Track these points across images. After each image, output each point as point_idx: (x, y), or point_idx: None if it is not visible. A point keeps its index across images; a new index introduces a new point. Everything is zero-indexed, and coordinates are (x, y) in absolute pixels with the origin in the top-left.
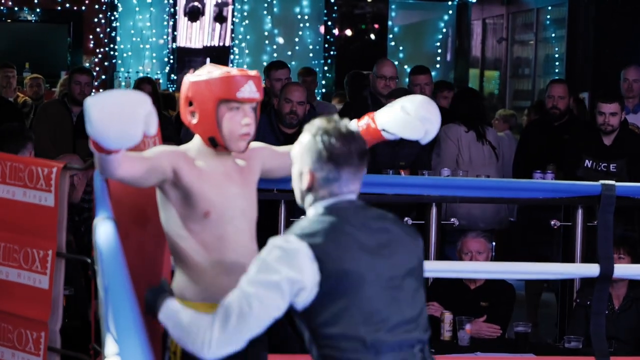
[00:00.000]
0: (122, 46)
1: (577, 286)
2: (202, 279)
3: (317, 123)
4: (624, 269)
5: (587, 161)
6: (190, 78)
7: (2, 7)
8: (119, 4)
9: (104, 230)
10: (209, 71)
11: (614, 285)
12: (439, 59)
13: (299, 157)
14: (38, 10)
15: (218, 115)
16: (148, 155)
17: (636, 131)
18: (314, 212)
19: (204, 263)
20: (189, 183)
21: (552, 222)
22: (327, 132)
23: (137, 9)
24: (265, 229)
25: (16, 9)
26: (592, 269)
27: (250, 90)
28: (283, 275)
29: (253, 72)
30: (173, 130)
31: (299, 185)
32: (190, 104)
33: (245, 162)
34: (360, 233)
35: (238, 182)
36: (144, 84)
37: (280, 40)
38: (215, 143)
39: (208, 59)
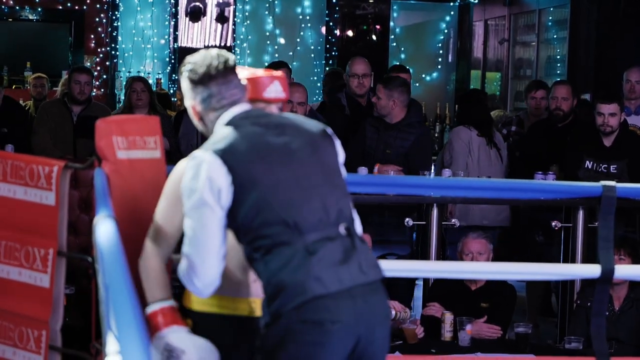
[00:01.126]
0: (123, 46)
1: (577, 287)
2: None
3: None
4: (624, 270)
5: (587, 162)
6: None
7: (3, 6)
8: (120, 4)
9: (104, 229)
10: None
11: (614, 286)
12: (440, 59)
13: (185, 102)
14: (39, 9)
15: None
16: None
17: (638, 132)
18: (216, 132)
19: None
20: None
21: (553, 224)
22: (186, 66)
23: (138, 8)
24: None
25: (17, 8)
26: (593, 270)
27: (277, 90)
28: (201, 188)
29: (278, 73)
30: (170, 128)
31: (196, 124)
32: None
33: None
34: (261, 133)
35: None
36: (135, 82)
37: (282, 40)
38: None
39: None
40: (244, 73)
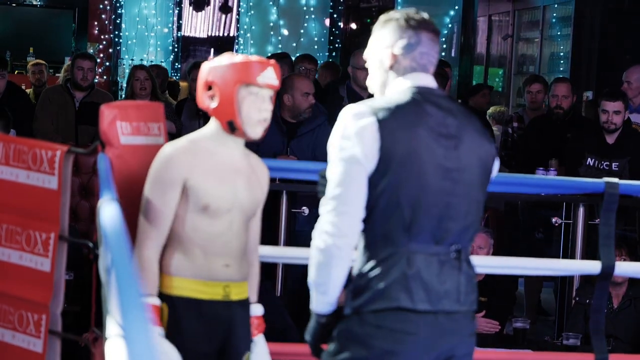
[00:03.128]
0: (126, 33)
1: (576, 284)
2: (195, 259)
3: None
4: (625, 267)
5: (589, 159)
6: (209, 64)
7: None
8: None
9: (108, 212)
10: (230, 58)
11: (614, 284)
12: (444, 54)
13: (373, 49)
14: None
15: (238, 98)
16: (156, 214)
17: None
18: (393, 90)
19: (199, 246)
20: (192, 186)
21: (554, 220)
22: (400, 13)
23: None
24: (267, 219)
25: None
26: (593, 266)
27: (270, 77)
28: (352, 146)
29: (272, 61)
30: (173, 113)
31: (378, 74)
32: (210, 88)
33: (254, 171)
34: (429, 117)
35: (243, 180)
36: (138, 70)
37: (286, 31)
38: (234, 127)
39: (212, 49)
40: (237, 57)
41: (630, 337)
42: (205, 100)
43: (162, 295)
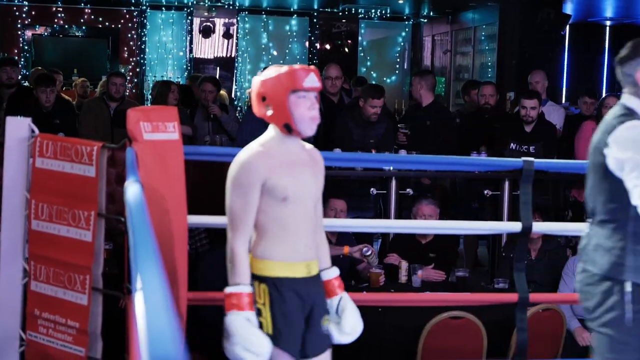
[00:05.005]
0: (149, 56)
1: (503, 241)
2: (282, 244)
3: None
4: (539, 226)
5: (512, 144)
6: (259, 78)
7: (56, 26)
8: (147, 23)
9: (132, 191)
10: (276, 70)
11: (531, 240)
12: (397, 67)
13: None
14: (84, 27)
15: (289, 103)
16: (240, 216)
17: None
18: None
19: (284, 232)
20: (272, 184)
21: (485, 192)
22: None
23: (161, 27)
24: None
25: (67, 27)
26: (515, 226)
27: (313, 80)
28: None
29: (312, 67)
30: (188, 120)
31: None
32: (264, 99)
33: (313, 160)
34: None
35: (309, 171)
36: (164, 86)
37: (275, 52)
38: (290, 128)
39: (218, 67)
40: (283, 68)
41: (545, 281)
42: (262, 110)
43: (260, 277)
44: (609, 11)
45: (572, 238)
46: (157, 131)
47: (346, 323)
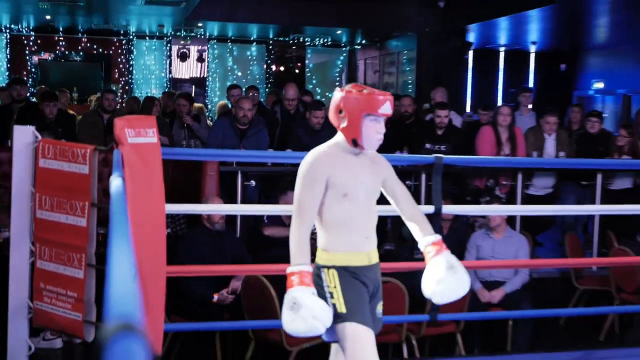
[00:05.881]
0: (136, 76)
1: None
2: (344, 236)
3: None
4: (448, 208)
5: (427, 144)
6: (341, 93)
7: (58, 52)
8: (134, 49)
9: (115, 184)
10: (358, 90)
11: (443, 220)
12: (337, 84)
13: None
14: (81, 53)
15: (362, 124)
16: (307, 207)
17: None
18: None
19: (345, 226)
20: (334, 181)
21: (407, 182)
22: None
23: (146, 52)
24: (227, 188)
25: (67, 52)
26: (429, 209)
27: (388, 108)
28: None
29: (389, 94)
30: (168, 129)
31: None
32: (341, 112)
33: (374, 162)
34: None
35: (367, 171)
36: (149, 101)
37: (239, 73)
38: (356, 144)
39: (193, 85)
40: (365, 90)
41: (454, 252)
42: (336, 120)
43: (327, 266)
44: (502, 39)
45: (472, 217)
46: (139, 136)
47: (456, 280)
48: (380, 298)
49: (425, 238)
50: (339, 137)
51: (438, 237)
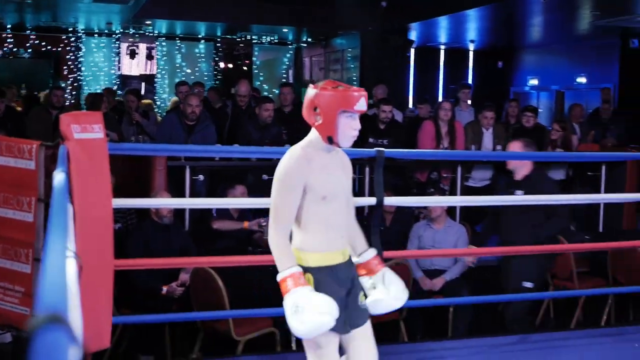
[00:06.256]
0: (85, 73)
1: (366, 211)
2: (321, 236)
3: None
4: (389, 200)
5: (370, 139)
6: (315, 90)
7: (5, 48)
8: (83, 47)
9: (58, 178)
10: (332, 86)
11: (385, 211)
12: (284, 80)
13: None
14: (30, 50)
15: (338, 121)
16: (284, 213)
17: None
18: None
19: (323, 226)
20: (312, 185)
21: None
22: None
23: (94, 50)
24: (176, 182)
25: (15, 49)
26: (371, 200)
27: (363, 104)
28: None
29: (363, 90)
30: (116, 125)
31: None
32: (315, 109)
33: (343, 162)
34: None
35: (342, 171)
36: (97, 97)
37: (188, 70)
38: (332, 141)
39: (142, 82)
40: (340, 87)
41: (396, 242)
42: (311, 118)
43: (303, 268)
44: (442, 38)
45: (416, 209)
46: (85, 132)
47: (396, 290)
48: (359, 289)
49: (369, 252)
50: (313, 135)
51: (375, 251)
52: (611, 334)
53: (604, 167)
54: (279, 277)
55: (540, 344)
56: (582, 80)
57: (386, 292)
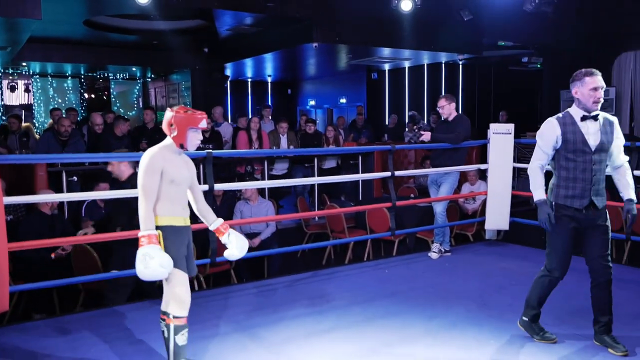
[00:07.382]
0: None
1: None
2: (169, 206)
3: None
4: (217, 186)
5: (200, 144)
6: (172, 112)
7: None
8: None
9: None
10: (184, 110)
11: (216, 195)
12: (135, 106)
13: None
14: None
15: (187, 134)
16: (150, 189)
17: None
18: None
19: (171, 201)
20: (166, 171)
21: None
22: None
23: None
24: (55, 183)
25: None
26: (205, 187)
27: (205, 123)
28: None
29: (204, 113)
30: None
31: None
32: (172, 125)
33: (187, 163)
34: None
35: (185, 167)
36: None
37: (59, 100)
38: (183, 147)
39: (22, 110)
40: (189, 110)
41: (225, 216)
42: (169, 131)
43: (159, 226)
44: (249, 73)
45: (237, 192)
46: None
47: (237, 244)
48: (192, 248)
49: (217, 221)
50: (168, 141)
51: (222, 220)
52: (370, 265)
53: (360, 157)
54: (139, 234)
55: (326, 276)
56: (343, 100)
57: (233, 246)
